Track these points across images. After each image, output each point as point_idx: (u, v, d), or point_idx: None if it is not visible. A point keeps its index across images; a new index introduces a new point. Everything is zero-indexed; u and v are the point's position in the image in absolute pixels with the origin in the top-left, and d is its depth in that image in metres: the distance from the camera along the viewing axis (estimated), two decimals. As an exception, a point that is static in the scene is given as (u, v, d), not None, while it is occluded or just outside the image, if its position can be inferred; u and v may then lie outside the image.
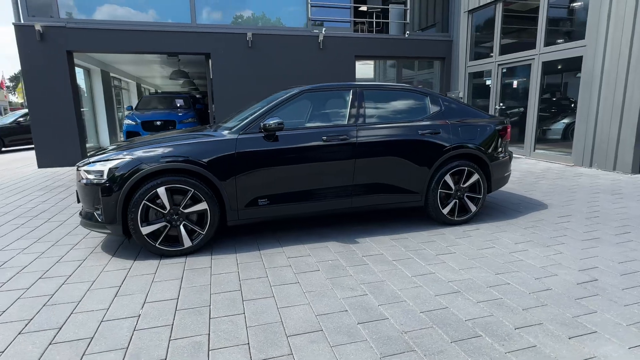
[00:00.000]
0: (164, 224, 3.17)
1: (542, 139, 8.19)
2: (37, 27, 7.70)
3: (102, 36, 8.15)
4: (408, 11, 10.29)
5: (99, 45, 8.21)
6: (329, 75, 9.58)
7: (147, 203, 3.10)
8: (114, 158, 3.14)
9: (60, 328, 2.19)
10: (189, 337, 2.09)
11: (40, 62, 7.88)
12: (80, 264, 3.11)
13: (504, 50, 8.81)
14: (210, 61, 8.88)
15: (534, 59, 7.89)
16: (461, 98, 10.17)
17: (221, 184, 3.25)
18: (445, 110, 4.03)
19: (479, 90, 9.88)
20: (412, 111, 4.01)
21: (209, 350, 1.98)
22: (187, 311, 2.36)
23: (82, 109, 12.21)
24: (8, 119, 13.62)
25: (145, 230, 3.12)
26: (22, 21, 7.80)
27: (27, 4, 7.80)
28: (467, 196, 4.00)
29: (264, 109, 3.54)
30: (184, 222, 3.21)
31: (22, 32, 7.73)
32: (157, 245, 3.16)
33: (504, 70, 8.92)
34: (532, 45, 7.94)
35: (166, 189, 3.12)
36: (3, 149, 12.68)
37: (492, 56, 9.09)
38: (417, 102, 4.04)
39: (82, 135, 8.58)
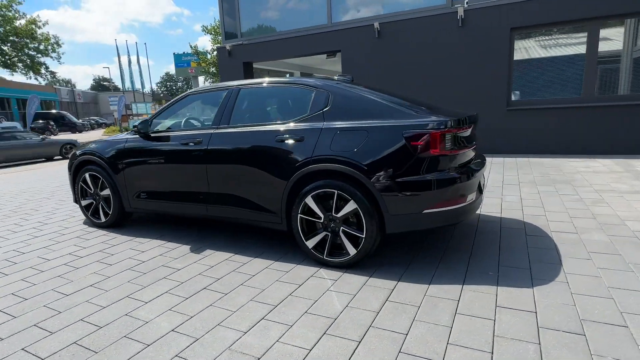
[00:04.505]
0: (91, 201, 4.19)
1: None
2: (227, 47, 10.39)
3: (264, 47, 9.98)
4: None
5: (262, 55, 10.11)
6: (472, 58, 7.69)
7: (82, 184, 4.19)
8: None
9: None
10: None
11: (230, 72, 10.62)
12: (59, 225, 4.62)
13: None
14: (340, 57, 9.10)
15: None
16: None
17: (115, 175, 3.90)
18: (332, 109, 2.92)
19: None
20: (291, 111, 3.17)
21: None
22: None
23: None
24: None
25: (83, 202, 4.24)
26: (220, 45, 10.73)
27: (225, 33, 10.66)
28: (345, 231, 2.81)
29: (157, 111, 3.85)
30: (101, 203, 4.12)
31: (220, 52, 10.65)
32: (88, 215, 4.23)
33: None
34: None
35: (89, 175, 4.10)
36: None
37: None
38: (301, 99, 3.13)
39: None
